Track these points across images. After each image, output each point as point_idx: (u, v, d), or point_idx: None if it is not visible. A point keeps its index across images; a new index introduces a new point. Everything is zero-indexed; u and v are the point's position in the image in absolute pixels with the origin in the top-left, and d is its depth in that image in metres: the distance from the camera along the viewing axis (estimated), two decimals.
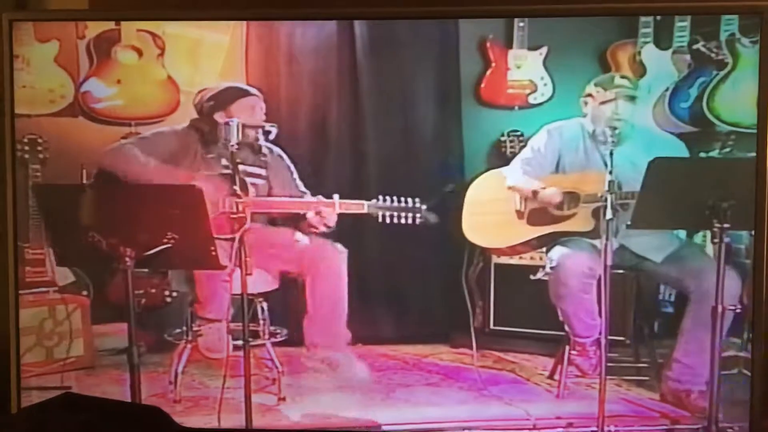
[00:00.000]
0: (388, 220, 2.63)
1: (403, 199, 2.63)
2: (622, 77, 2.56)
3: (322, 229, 2.64)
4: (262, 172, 2.66)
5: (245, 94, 2.62)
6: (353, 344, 2.71)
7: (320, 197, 2.64)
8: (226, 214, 2.53)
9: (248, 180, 2.61)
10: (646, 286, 2.72)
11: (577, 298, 2.65)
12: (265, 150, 2.64)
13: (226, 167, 2.56)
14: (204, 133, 2.63)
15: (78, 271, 2.71)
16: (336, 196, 2.63)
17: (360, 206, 2.63)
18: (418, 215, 2.64)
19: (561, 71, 2.65)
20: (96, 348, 2.71)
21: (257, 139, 2.62)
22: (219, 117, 2.61)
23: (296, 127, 2.72)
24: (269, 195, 2.68)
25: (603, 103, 2.57)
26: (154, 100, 2.66)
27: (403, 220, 2.63)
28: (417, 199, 2.63)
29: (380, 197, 2.63)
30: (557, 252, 2.67)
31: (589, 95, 2.59)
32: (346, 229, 2.66)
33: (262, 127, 2.60)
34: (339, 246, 2.67)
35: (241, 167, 2.55)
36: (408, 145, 2.73)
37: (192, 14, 2.59)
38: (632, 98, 2.58)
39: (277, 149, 2.65)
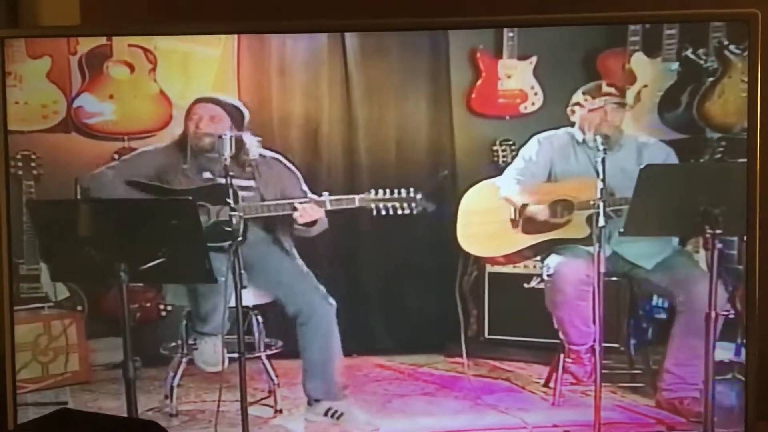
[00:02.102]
0: (383, 212, 2.62)
1: (396, 190, 2.62)
2: (609, 85, 2.58)
3: (312, 225, 2.63)
4: (251, 183, 2.67)
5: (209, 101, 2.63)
6: (348, 357, 2.71)
7: (312, 195, 2.64)
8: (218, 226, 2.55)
9: (240, 193, 2.62)
10: (639, 292, 2.72)
11: (573, 305, 2.65)
12: (255, 161, 2.65)
13: (209, 180, 2.57)
14: (184, 147, 2.64)
15: (73, 287, 2.71)
16: (326, 194, 2.62)
17: (351, 200, 2.62)
18: (413, 205, 2.63)
19: (551, 80, 2.65)
20: (91, 363, 2.71)
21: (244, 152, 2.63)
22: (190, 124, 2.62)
23: (288, 139, 2.73)
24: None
25: (591, 111, 2.58)
26: (147, 115, 2.67)
27: (399, 211, 2.62)
28: (410, 189, 2.62)
29: (372, 191, 2.62)
30: (554, 259, 2.68)
31: (577, 104, 2.60)
32: (338, 242, 2.67)
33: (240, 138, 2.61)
34: (330, 300, 2.66)
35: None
36: (400, 155, 2.74)
37: (183, 29, 2.60)
38: (620, 106, 2.59)
39: (273, 156, 2.66)
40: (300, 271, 2.68)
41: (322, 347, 2.66)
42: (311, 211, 2.61)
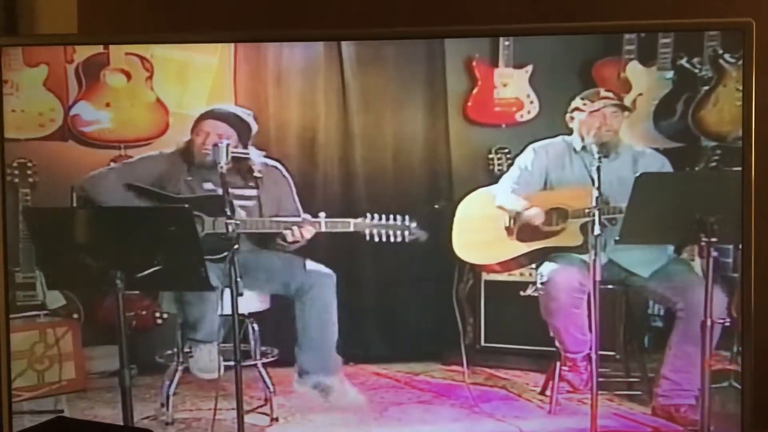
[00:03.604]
0: (377, 239, 2.64)
1: (392, 216, 2.64)
2: (607, 90, 2.59)
3: (296, 243, 2.64)
4: (253, 192, 2.67)
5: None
6: (345, 365, 2.71)
7: (307, 216, 2.64)
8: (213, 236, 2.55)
9: (237, 202, 2.62)
10: (635, 300, 2.73)
11: (568, 313, 2.66)
12: (257, 173, 2.65)
13: (210, 190, 2.57)
14: (188, 159, 2.64)
15: (69, 294, 2.71)
16: (322, 215, 2.64)
17: (347, 224, 2.64)
18: (407, 232, 2.65)
19: (547, 89, 2.66)
20: (87, 371, 2.70)
21: (248, 167, 2.64)
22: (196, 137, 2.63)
23: (285, 148, 2.74)
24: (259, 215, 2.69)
25: (591, 113, 2.59)
26: (144, 123, 2.67)
27: (392, 238, 2.64)
28: (406, 216, 2.64)
29: (368, 215, 2.64)
30: (547, 267, 2.68)
31: (576, 109, 2.61)
32: (335, 249, 2.67)
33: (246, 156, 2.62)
34: (328, 270, 2.67)
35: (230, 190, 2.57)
36: (396, 164, 2.75)
37: (179, 37, 2.61)
38: (620, 109, 2.60)
39: (273, 163, 2.67)
40: (294, 259, 2.69)
41: (320, 318, 2.67)
42: (305, 232, 2.62)
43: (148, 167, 2.64)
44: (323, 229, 2.63)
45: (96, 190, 2.62)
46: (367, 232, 2.64)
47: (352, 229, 2.64)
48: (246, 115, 2.64)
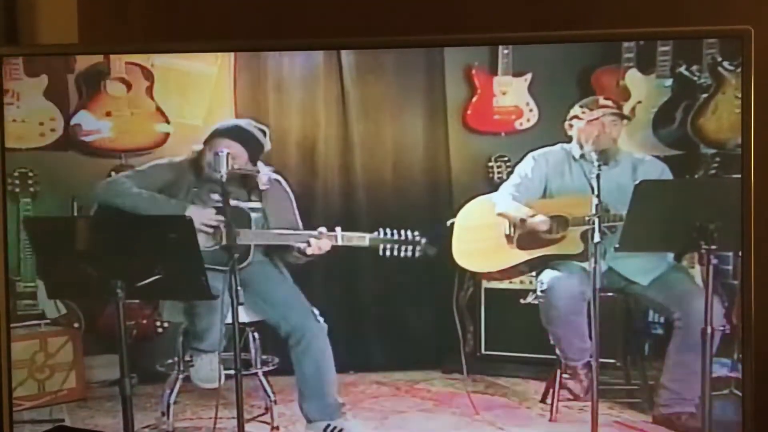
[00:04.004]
0: (387, 254, 2.65)
1: (402, 231, 2.65)
2: (606, 98, 2.59)
3: (310, 254, 2.65)
4: (258, 205, 2.68)
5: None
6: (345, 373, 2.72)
7: (323, 229, 2.65)
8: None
9: (244, 209, 2.63)
10: (635, 308, 2.73)
11: (568, 321, 2.65)
12: (263, 182, 2.66)
13: (218, 201, 2.58)
14: (197, 169, 2.65)
15: (69, 304, 2.71)
16: (338, 229, 2.65)
17: (362, 239, 2.65)
18: (417, 248, 2.66)
19: (546, 97, 2.67)
20: (88, 380, 2.71)
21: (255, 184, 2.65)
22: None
23: (285, 157, 2.74)
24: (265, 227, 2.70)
25: (590, 122, 2.59)
26: (144, 132, 2.68)
27: (402, 254, 2.65)
28: (416, 232, 2.65)
29: (380, 230, 2.65)
30: (547, 275, 2.68)
31: (575, 117, 2.61)
32: (335, 257, 2.68)
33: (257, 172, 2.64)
34: (320, 318, 2.67)
35: (234, 202, 2.58)
36: (397, 172, 2.75)
37: (179, 47, 2.62)
38: (619, 118, 2.60)
39: (275, 177, 2.67)
40: (293, 291, 2.69)
41: (316, 367, 2.66)
42: (323, 246, 2.63)
43: (158, 174, 2.65)
44: (339, 243, 2.64)
45: (114, 196, 2.62)
46: (380, 247, 2.65)
47: (367, 243, 2.65)
48: (261, 135, 2.64)
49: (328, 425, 2.66)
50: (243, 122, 2.65)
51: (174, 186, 2.65)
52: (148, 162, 2.67)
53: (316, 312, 2.67)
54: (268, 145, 2.65)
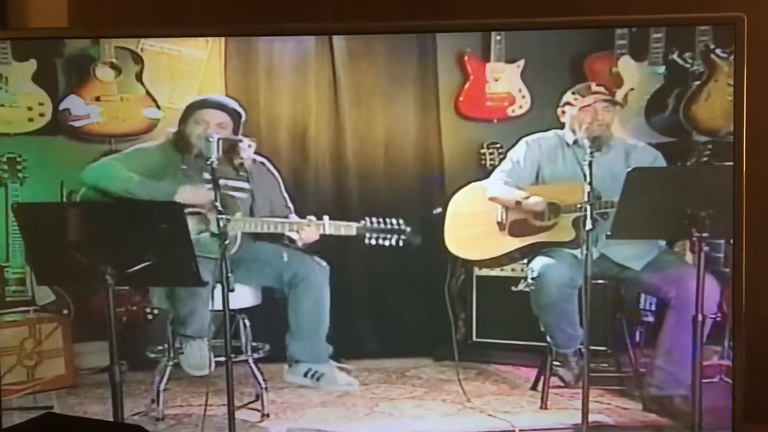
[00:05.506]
0: (373, 242, 2.65)
1: (388, 220, 2.65)
2: (599, 85, 2.58)
3: (301, 244, 2.66)
4: (245, 185, 2.66)
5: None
6: (336, 358, 2.71)
7: (312, 218, 2.64)
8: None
9: (232, 194, 2.62)
10: (627, 294, 2.73)
11: (559, 309, 2.66)
12: (247, 164, 2.64)
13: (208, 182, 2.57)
14: (183, 148, 2.63)
15: (59, 290, 2.70)
16: (326, 218, 2.64)
17: (350, 228, 2.65)
18: (403, 237, 2.65)
19: (539, 83, 2.66)
20: (77, 367, 2.69)
21: (238, 154, 2.63)
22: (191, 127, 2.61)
23: (276, 142, 2.73)
24: (252, 209, 2.68)
25: (582, 108, 2.59)
26: (134, 117, 2.66)
27: (387, 242, 2.65)
28: (401, 221, 2.65)
29: (367, 219, 2.65)
30: (539, 262, 2.68)
31: (568, 103, 2.60)
32: (328, 244, 2.67)
33: (240, 141, 2.61)
34: (322, 261, 2.67)
35: (222, 182, 2.55)
36: (388, 159, 2.74)
37: (170, 31, 2.60)
38: (611, 104, 2.59)
39: (260, 159, 2.66)
40: (289, 251, 2.69)
41: (315, 306, 2.67)
42: (312, 234, 2.64)
43: (143, 157, 2.63)
44: (326, 232, 2.64)
45: (106, 179, 2.60)
46: (367, 236, 2.65)
47: (354, 233, 2.65)
48: (233, 102, 2.62)
49: (309, 369, 2.66)
50: (215, 95, 2.64)
51: (161, 168, 2.63)
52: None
53: (317, 258, 2.68)
54: (243, 113, 2.62)
